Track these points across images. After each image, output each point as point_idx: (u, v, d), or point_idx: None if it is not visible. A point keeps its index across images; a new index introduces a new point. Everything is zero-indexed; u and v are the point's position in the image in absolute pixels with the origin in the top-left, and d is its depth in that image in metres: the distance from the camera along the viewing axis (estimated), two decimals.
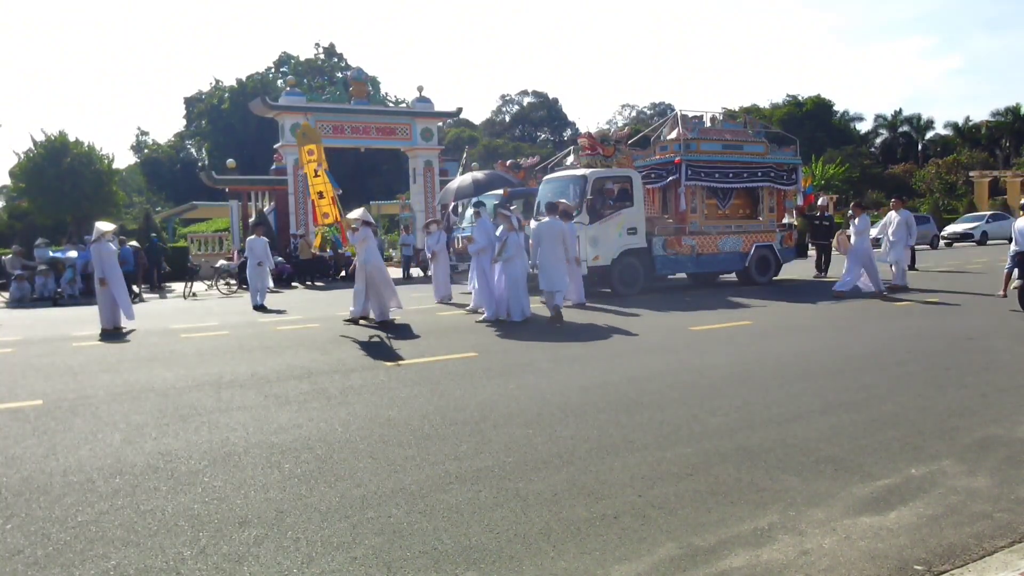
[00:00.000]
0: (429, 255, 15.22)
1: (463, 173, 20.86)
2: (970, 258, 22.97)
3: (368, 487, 4.10)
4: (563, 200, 12.71)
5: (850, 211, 14.29)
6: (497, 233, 11.72)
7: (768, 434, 4.88)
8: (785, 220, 17.24)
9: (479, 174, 15.53)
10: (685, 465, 4.33)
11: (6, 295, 20.14)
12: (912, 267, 18.84)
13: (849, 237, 14.01)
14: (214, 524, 3.66)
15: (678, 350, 8.36)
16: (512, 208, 12.85)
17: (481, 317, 11.51)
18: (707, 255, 15.79)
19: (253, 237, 15.99)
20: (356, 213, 11.84)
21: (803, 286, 16.00)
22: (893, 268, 14.30)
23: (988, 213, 37.04)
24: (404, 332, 10.50)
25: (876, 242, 14.51)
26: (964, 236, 33.79)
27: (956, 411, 5.36)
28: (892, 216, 14.64)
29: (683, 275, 16.87)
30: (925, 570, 3.06)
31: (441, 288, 14.57)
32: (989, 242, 33.38)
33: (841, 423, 5.11)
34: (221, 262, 21.89)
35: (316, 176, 12.61)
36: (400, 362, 7.97)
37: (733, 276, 16.90)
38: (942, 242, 32.78)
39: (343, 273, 22.02)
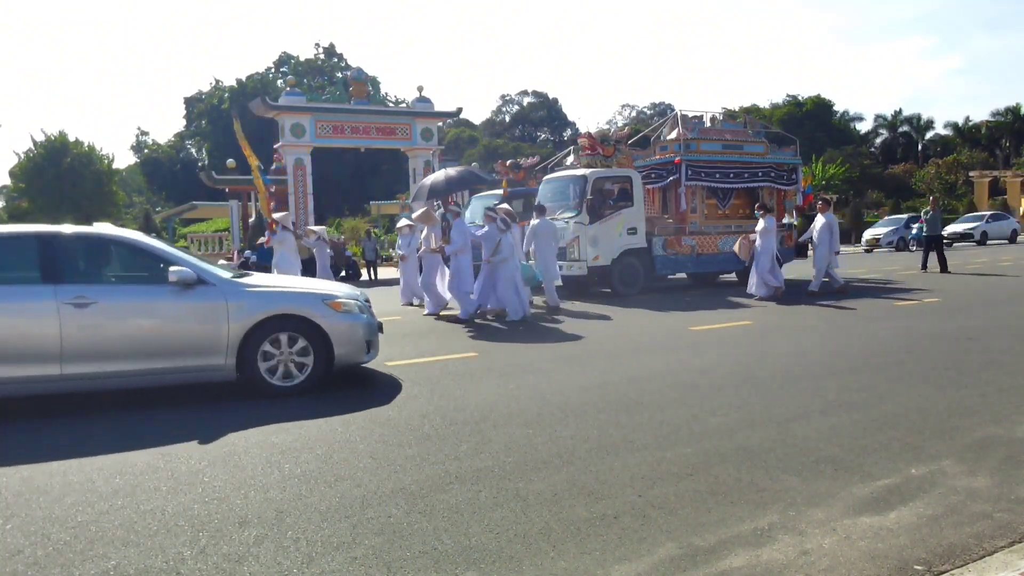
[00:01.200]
0: (398, 256, 14.76)
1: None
2: (969, 258, 22.98)
3: (368, 487, 4.10)
4: (504, 206, 12.89)
5: (756, 212, 14.01)
6: (480, 233, 11.86)
7: (768, 434, 4.88)
8: (785, 220, 17.24)
9: (452, 171, 15.11)
10: (685, 465, 4.33)
11: None
12: (934, 266, 18.03)
13: (753, 241, 13.72)
14: (214, 524, 3.66)
15: (678, 350, 8.36)
16: (502, 208, 12.86)
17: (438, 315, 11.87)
18: (707, 255, 15.79)
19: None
20: (280, 215, 12.03)
21: (803, 286, 15.99)
22: (819, 273, 14.02)
23: (988, 213, 37.05)
24: None
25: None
26: (964, 236, 33.79)
27: (956, 411, 5.36)
28: (817, 219, 14.40)
29: (683, 275, 16.87)
30: (925, 570, 3.06)
31: (406, 291, 14.27)
32: (989, 242, 33.39)
33: (841, 423, 5.11)
34: (221, 262, 21.86)
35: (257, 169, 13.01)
36: (400, 362, 7.97)
37: (733, 276, 16.90)
38: None
39: (343, 273, 22.01)
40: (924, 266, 18.65)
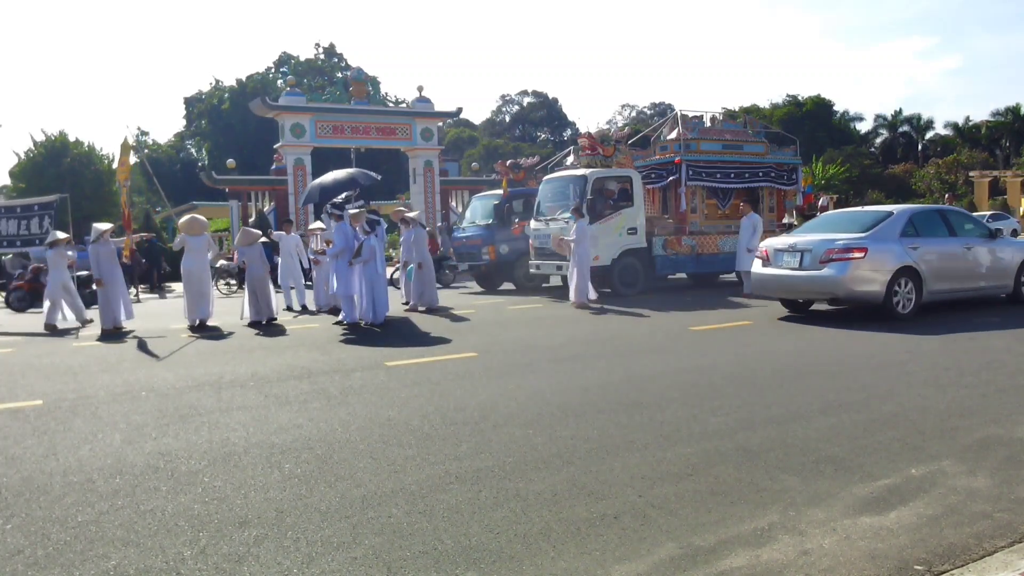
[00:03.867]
0: (312, 260, 14.32)
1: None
2: None
3: (368, 487, 4.10)
4: (415, 211, 13.06)
5: (571, 215, 13.42)
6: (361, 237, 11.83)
7: (768, 434, 4.88)
8: (785, 220, 17.24)
9: (328, 178, 14.68)
10: (685, 465, 4.33)
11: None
12: None
13: (570, 244, 13.13)
14: (214, 524, 3.66)
15: (678, 350, 8.36)
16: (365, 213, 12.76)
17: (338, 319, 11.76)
18: (707, 255, 15.79)
19: (283, 233, 15.33)
20: (183, 220, 12.19)
21: None
22: (747, 276, 13.55)
23: (988, 213, 37.01)
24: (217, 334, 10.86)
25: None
26: None
27: (956, 411, 5.36)
28: (743, 222, 14.29)
29: (683, 275, 16.87)
30: (925, 570, 3.06)
31: (322, 296, 13.83)
32: None
33: (841, 423, 5.11)
34: (221, 262, 21.81)
35: (123, 187, 13.48)
36: (400, 362, 7.98)
37: (733, 276, 16.90)
38: None
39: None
40: None
